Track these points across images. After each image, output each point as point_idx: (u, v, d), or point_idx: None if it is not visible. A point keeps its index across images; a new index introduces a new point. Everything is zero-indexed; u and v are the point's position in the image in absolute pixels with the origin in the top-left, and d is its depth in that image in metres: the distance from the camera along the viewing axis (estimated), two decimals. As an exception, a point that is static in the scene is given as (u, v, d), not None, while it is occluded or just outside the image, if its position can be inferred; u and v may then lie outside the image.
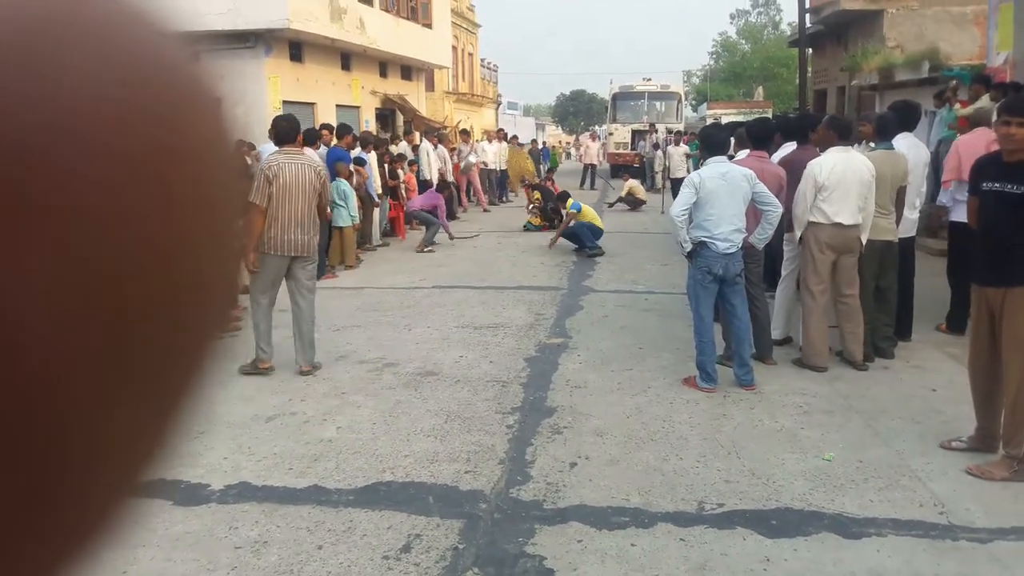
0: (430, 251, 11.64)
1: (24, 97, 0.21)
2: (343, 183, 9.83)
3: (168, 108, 0.24)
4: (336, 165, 9.70)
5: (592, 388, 5.54)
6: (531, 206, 14.64)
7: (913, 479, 4.12)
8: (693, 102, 55.97)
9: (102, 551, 0.25)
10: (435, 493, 4.00)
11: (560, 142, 50.13)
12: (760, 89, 42.43)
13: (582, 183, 23.69)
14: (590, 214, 11.48)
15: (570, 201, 11.77)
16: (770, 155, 6.43)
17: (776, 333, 6.41)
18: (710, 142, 5.62)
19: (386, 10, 20.44)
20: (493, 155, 19.60)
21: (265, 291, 5.78)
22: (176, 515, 3.74)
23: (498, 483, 4.10)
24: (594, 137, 26.28)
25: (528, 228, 14.19)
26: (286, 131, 5.86)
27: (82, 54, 0.23)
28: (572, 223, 11.45)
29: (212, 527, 3.64)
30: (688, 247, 5.36)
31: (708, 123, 15.44)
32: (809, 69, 25.93)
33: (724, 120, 19.95)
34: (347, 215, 9.95)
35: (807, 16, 20.76)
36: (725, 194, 5.27)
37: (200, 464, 4.31)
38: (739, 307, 5.50)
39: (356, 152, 11.05)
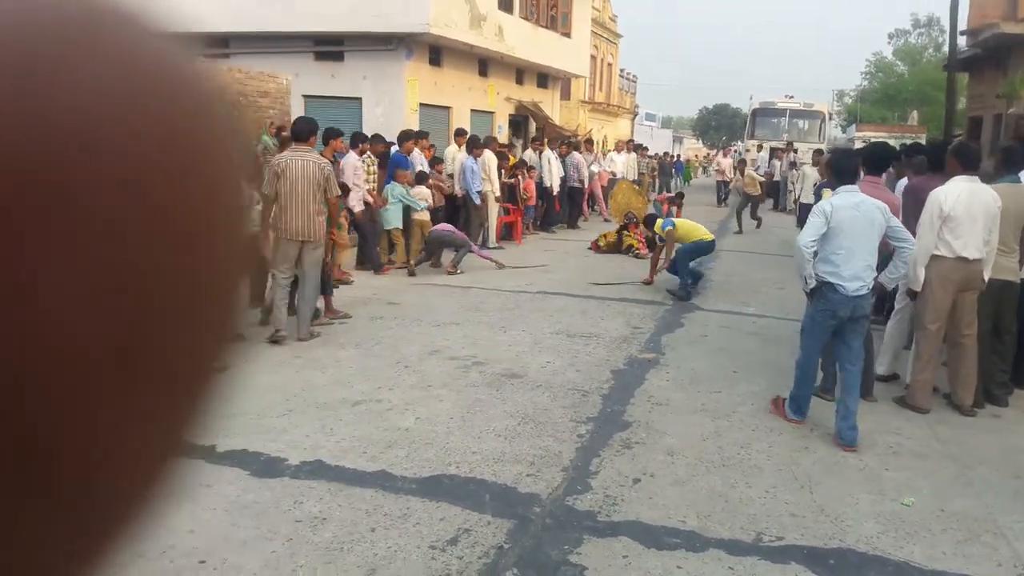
0: (460, 272, 10.14)
1: (43, 107, 0.22)
2: (397, 187, 10.14)
3: (181, 115, 0.25)
4: (395, 171, 10.32)
5: (674, 406, 5.48)
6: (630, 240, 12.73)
7: (997, 536, 3.86)
8: (843, 123, 53.74)
9: (125, 547, 0.26)
10: (493, 492, 4.09)
11: (696, 155, 49.22)
12: (915, 113, 40.27)
13: (719, 200, 23.62)
14: (687, 227, 9.46)
15: (659, 223, 9.90)
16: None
17: (881, 369, 6.12)
18: (841, 168, 5.12)
19: (525, 18, 20.74)
20: (622, 165, 19.53)
21: (281, 269, 6.55)
22: (250, 484, 4.00)
23: (556, 490, 4.14)
24: (727, 153, 25.81)
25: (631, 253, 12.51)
26: (299, 131, 6.70)
27: (98, 64, 0.23)
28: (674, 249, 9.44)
29: (279, 499, 3.87)
30: (812, 283, 4.86)
31: (843, 146, 13.82)
32: (964, 95, 24.42)
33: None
34: (392, 218, 10.15)
35: (964, 39, 19.59)
36: (858, 226, 4.79)
37: (283, 440, 4.58)
38: (856, 352, 4.93)
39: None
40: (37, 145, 0.22)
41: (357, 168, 9.29)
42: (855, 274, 4.80)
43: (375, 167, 10.12)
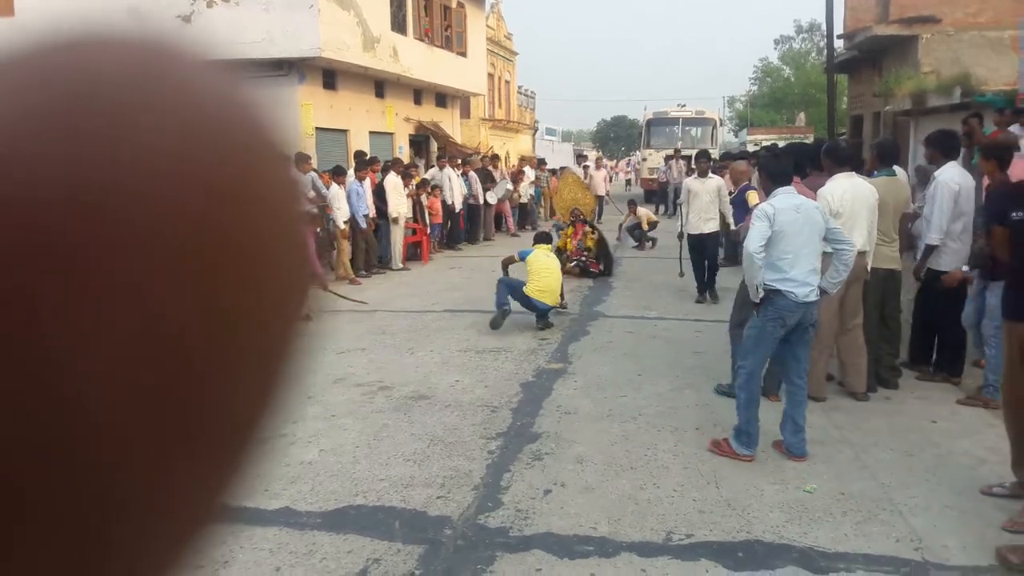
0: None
1: (101, 158, 0.22)
2: None
3: (240, 170, 0.24)
4: None
5: (582, 414, 5.49)
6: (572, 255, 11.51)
7: (894, 513, 4.00)
8: (735, 127, 55.70)
9: None
10: (403, 518, 3.99)
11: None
12: (802, 115, 42.07)
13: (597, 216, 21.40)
14: (537, 275, 7.97)
15: (536, 247, 8.45)
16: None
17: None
18: (773, 170, 4.84)
19: (420, 39, 20.75)
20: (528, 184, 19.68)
21: None
22: (143, 534, 3.79)
23: (468, 509, 4.08)
24: (600, 164, 22.19)
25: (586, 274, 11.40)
26: None
27: (157, 116, 0.23)
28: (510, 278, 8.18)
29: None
30: (762, 292, 4.57)
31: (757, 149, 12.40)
32: (846, 96, 25.65)
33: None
34: None
35: (842, 42, 20.61)
36: (800, 229, 4.58)
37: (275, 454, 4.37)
38: (803, 364, 4.73)
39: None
40: (93, 198, 0.21)
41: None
42: (803, 279, 4.56)
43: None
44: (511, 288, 7.98)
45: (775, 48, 56.10)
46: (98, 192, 0.21)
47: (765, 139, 29.89)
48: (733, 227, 7.71)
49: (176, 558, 0.26)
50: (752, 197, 6.00)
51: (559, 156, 35.51)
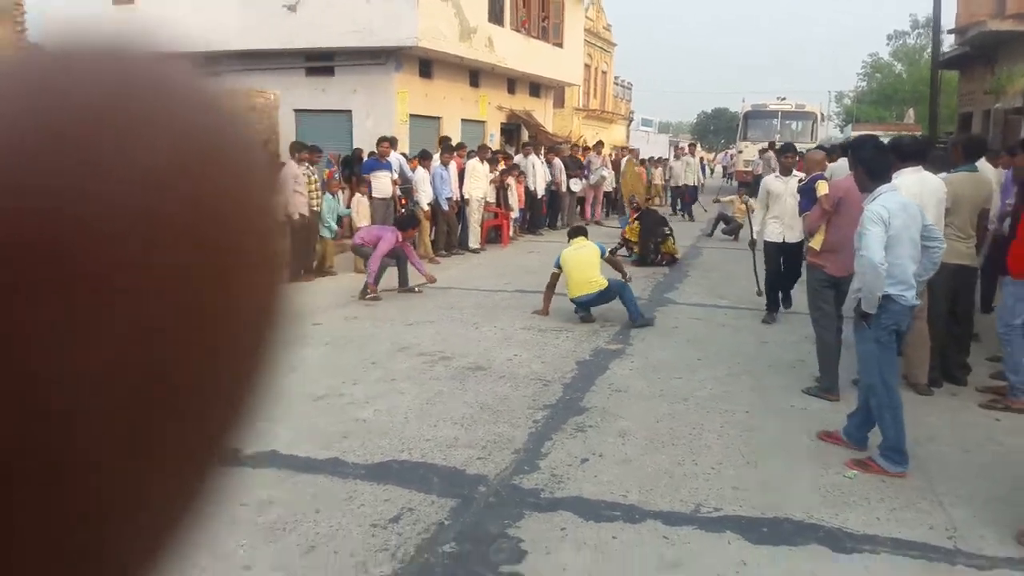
0: (374, 298, 8.61)
1: (89, 180, 0.22)
2: (328, 197, 10.40)
3: (226, 180, 0.25)
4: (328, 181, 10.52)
5: (632, 393, 5.56)
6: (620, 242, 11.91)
7: (933, 503, 3.93)
8: (841, 123, 53.72)
9: None
10: (442, 474, 4.18)
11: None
12: (911, 111, 40.21)
13: (674, 208, 20.33)
14: (576, 273, 7.66)
15: (574, 241, 8.09)
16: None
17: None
18: (874, 166, 4.46)
19: (516, 30, 20.92)
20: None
21: None
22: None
23: (504, 471, 4.23)
24: (680, 153, 20.88)
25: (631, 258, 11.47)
26: None
27: (144, 126, 0.23)
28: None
29: (227, 486, 3.96)
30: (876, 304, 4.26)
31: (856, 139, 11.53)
32: (956, 93, 24.41)
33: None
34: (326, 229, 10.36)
35: (953, 37, 19.65)
36: (908, 229, 4.33)
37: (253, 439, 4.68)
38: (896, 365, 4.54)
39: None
40: (97, 219, 0.22)
41: (297, 176, 9.66)
42: (911, 282, 4.34)
43: (315, 176, 10.27)
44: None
45: (888, 44, 53.81)
46: (83, 202, 0.22)
47: (870, 135, 28.76)
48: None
49: (159, 553, 0.26)
50: (822, 187, 5.90)
51: (654, 147, 35.10)
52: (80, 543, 0.23)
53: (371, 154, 11.77)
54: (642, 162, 21.65)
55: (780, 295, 7.92)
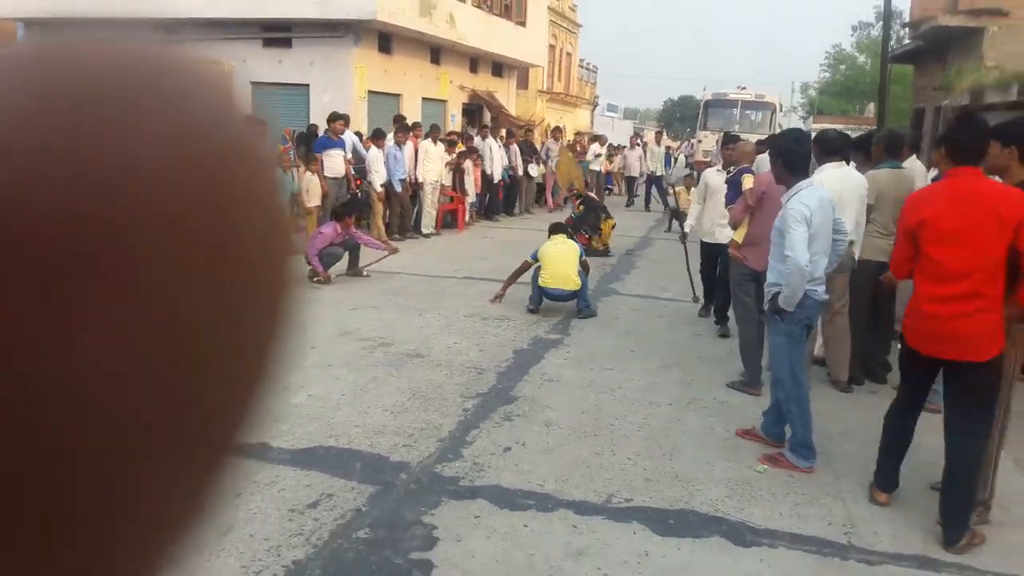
0: (322, 281, 8.60)
1: (89, 163, 0.22)
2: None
3: (226, 170, 0.25)
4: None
5: (563, 383, 5.69)
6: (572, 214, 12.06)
7: (836, 499, 4.12)
8: (804, 114, 54.41)
9: None
10: (365, 461, 4.27)
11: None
12: (871, 105, 40.91)
13: (628, 201, 20.37)
14: (549, 263, 7.62)
15: (553, 238, 8.04)
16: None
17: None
18: (792, 159, 4.52)
19: (478, 6, 20.84)
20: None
21: None
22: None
23: (428, 459, 4.33)
24: (634, 143, 20.36)
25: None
26: None
27: (147, 122, 0.23)
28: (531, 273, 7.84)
29: (240, 476, 4.02)
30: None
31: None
32: (907, 87, 24.84)
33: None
34: None
35: (907, 31, 20.02)
36: (825, 227, 4.41)
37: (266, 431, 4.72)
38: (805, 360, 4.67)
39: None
40: (92, 205, 0.22)
41: None
42: (822, 277, 4.45)
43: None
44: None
45: (852, 35, 54.43)
46: (89, 194, 0.22)
47: (829, 128, 29.20)
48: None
49: (174, 546, 0.26)
50: (747, 180, 6.02)
51: (619, 133, 35.26)
52: (96, 536, 0.23)
53: (324, 131, 11.71)
54: (615, 147, 21.77)
55: (716, 309, 7.46)
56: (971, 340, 3.61)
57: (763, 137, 20.66)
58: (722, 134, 10.26)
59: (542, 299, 7.71)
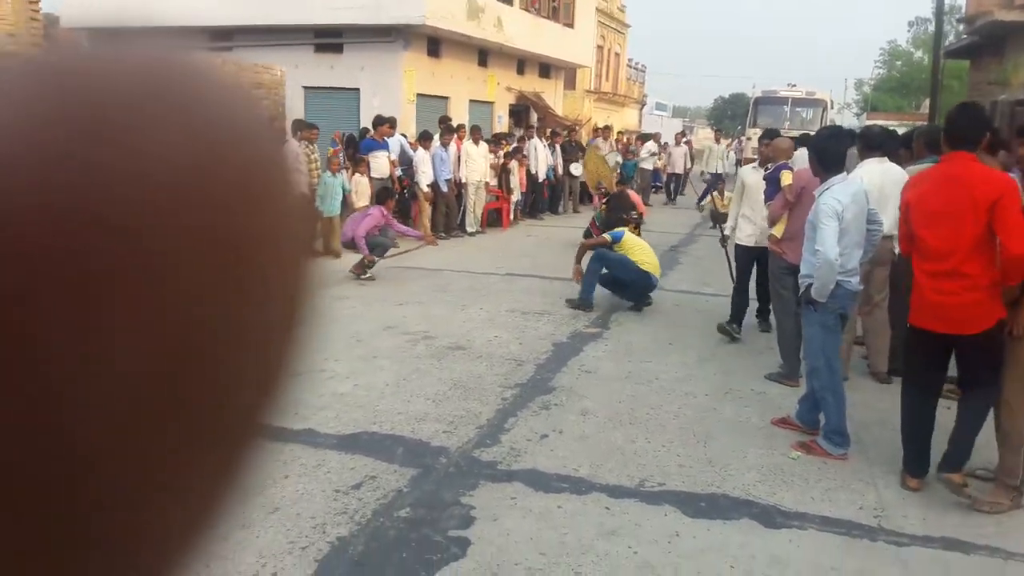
0: (370, 278, 8.82)
1: (106, 170, 0.22)
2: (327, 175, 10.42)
3: (244, 181, 0.25)
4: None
5: (601, 374, 5.81)
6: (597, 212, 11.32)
7: (868, 484, 4.17)
8: (859, 111, 53.39)
9: None
10: (407, 445, 4.45)
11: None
12: (927, 101, 39.98)
13: (669, 196, 20.45)
14: (637, 250, 7.72)
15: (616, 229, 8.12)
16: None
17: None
18: (827, 156, 4.60)
19: (526, 9, 21.01)
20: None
21: None
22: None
23: (467, 444, 4.49)
24: (679, 140, 20.82)
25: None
26: None
27: (163, 129, 0.23)
28: (606, 250, 7.80)
29: (263, 464, 4.25)
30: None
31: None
32: (964, 83, 24.25)
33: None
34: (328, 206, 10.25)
35: (962, 26, 19.59)
36: (857, 221, 4.51)
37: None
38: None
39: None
40: (106, 210, 0.22)
41: (298, 155, 9.76)
42: (855, 268, 4.56)
43: (315, 154, 10.39)
44: (607, 262, 7.61)
45: (909, 30, 53.19)
46: (106, 201, 0.22)
47: (884, 124, 28.71)
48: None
49: (197, 536, 0.26)
50: (786, 177, 6.04)
51: (668, 132, 35.13)
52: (117, 531, 0.23)
53: (366, 132, 11.96)
54: (665, 145, 21.65)
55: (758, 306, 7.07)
56: (958, 314, 3.87)
57: (796, 134, 20.20)
58: (760, 131, 9.87)
59: (594, 289, 7.69)
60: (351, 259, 9.05)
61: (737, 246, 6.92)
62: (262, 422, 0.28)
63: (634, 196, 13.80)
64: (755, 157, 22.24)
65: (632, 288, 7.75)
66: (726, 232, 7.25)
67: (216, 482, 0.27)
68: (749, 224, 6.73)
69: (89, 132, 0.22)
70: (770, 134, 7.43)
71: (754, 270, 6.81)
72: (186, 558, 0.26)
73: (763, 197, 6.49)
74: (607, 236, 7.94)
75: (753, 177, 6.82)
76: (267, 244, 0.26)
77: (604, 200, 12.05)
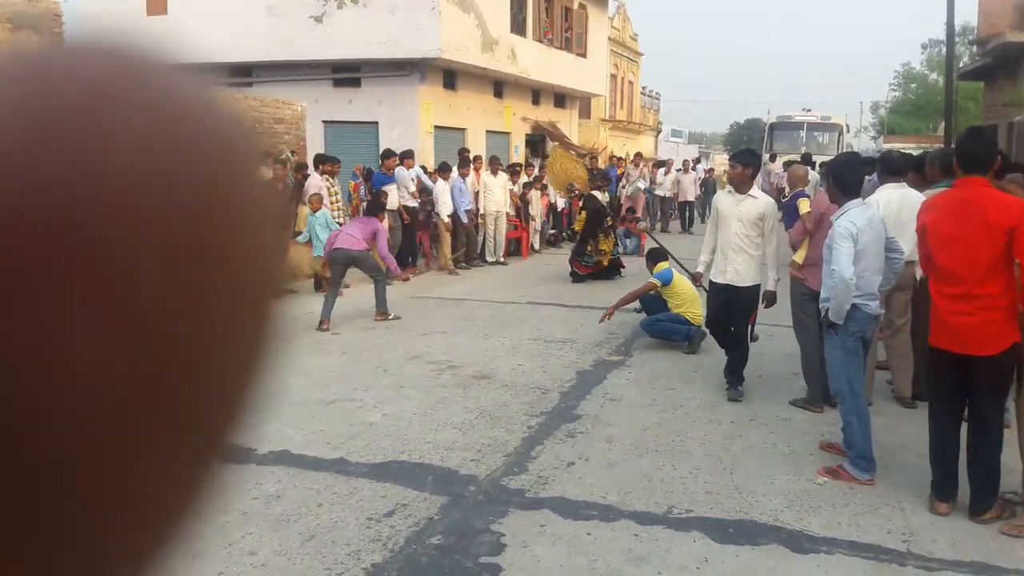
0: (396, 317, 8.46)
1: (76, 168, 0.22)
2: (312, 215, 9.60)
3: (213, 178, 0.25)
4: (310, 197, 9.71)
5: (625, 402, 5.86)
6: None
7: (896, 510, 4.18)
8: (875, 134, 53.42)
9: None
10: (436, 474, 4.52)
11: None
12: (944, 123, 39.99)
13: (684, 225, 19.77)
14: (684, 294, 7.33)
15: (661, 266, 7.55)
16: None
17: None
18: (843, 181, 4.69)
19: (539, 41, 21.30)
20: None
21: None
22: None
23: (495, 472, 4.56)
24: (687, 167, 20.55)
25: (575, 278, 11.14)
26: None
27: (133, 127, 0.23)
28: (650, 292, 7.55)
29: (241, 482, 4.34)
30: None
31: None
32: (980, 104, 24.28)
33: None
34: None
35: (975, 48, 19.67)
36: (875, 245, 4.59)
37: (254, 434, 5.06)
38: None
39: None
40: (72, 201, 0.22)
41: (320, 188, 9.88)
42: (876, 293, 4.62)
43: (336, 187, 10.46)
44: (660, 323, 7.45)
45: (922, 52, 53.30)
46: (72, 203, 0.22)
47: (902, 146, 28.72)
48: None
49: (161, 545, 0.26)
50: (803, 205, 6.10)
51: (683, 155, 35.33)
52: (80, 534, 0.23)
53: (379, 168, 12.08)
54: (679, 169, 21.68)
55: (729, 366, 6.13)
56: (973, 334, 3.93)
57: (796, 158, 19.73)
58: (767, 156, 9.48)
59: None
60: (362, 287, 9.21)
61: (710, 282, 6.06)
62: (228, 431, 0.28)
63: (626, 201, 13.38)
64: (770, 183, 22.26)
65: (678, 335, 7.45)
66: (699, 268, 6.28)
67: (181, 487, 0.26)
68: (721, 257, 5.88)
69: (54, 134, 0.22)
70: (738, 156, 6.21)
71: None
72: (151, 563, 0.26)
73: (735, 228, 5.80)
74: (655, 280, 7.42)
75: (725, 203, 5.92)
76: (233, 248, 0.26)
77: (580, 204, 11.68)
